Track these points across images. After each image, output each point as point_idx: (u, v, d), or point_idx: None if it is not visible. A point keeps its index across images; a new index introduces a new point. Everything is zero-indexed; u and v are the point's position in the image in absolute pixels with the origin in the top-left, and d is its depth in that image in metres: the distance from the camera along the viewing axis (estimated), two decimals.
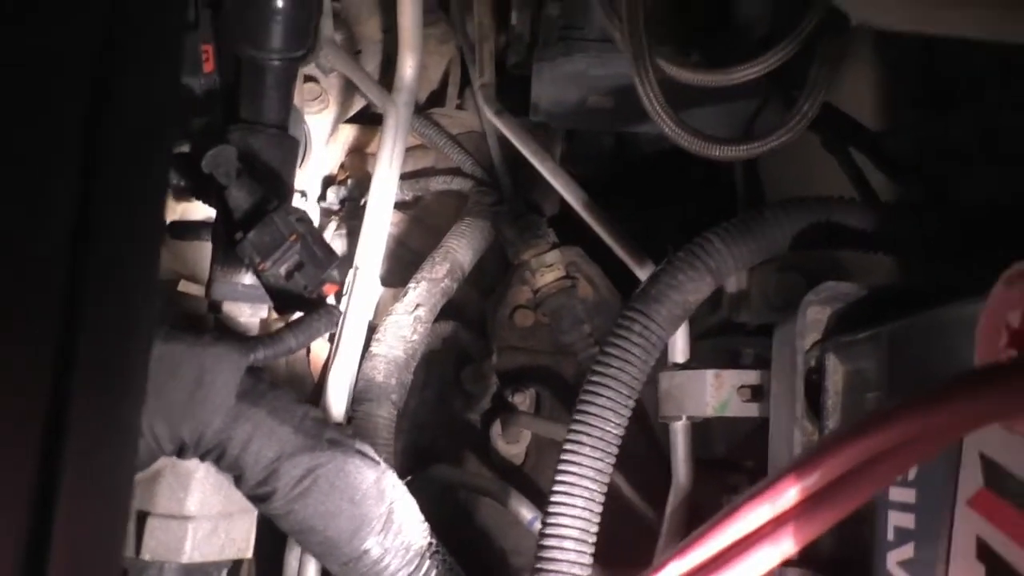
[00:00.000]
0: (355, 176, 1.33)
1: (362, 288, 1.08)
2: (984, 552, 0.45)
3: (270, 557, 0.99)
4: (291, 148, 0.93)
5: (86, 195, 0.44)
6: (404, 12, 1.14)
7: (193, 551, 0.82)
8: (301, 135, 1.13)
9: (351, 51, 1.27)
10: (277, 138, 0.91)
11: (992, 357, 0.41)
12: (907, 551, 0.53)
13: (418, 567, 0.83)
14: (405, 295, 1.13)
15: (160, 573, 0.81)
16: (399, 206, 1.28)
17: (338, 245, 1.25)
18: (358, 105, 1.34)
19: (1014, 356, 0.38)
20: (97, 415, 0.42)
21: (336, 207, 1.31)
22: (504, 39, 1.26)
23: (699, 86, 0.82)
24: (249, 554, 0.90)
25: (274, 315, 0.98)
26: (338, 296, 1.11)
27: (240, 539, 0.87)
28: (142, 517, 0.82)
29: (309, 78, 1.26)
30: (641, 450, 1.08)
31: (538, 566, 0.70)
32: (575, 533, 0.70)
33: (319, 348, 1.12)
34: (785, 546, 0.43)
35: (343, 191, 1.31)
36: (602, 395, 0.73)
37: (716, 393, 0.81)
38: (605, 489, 0.72)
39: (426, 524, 0.87)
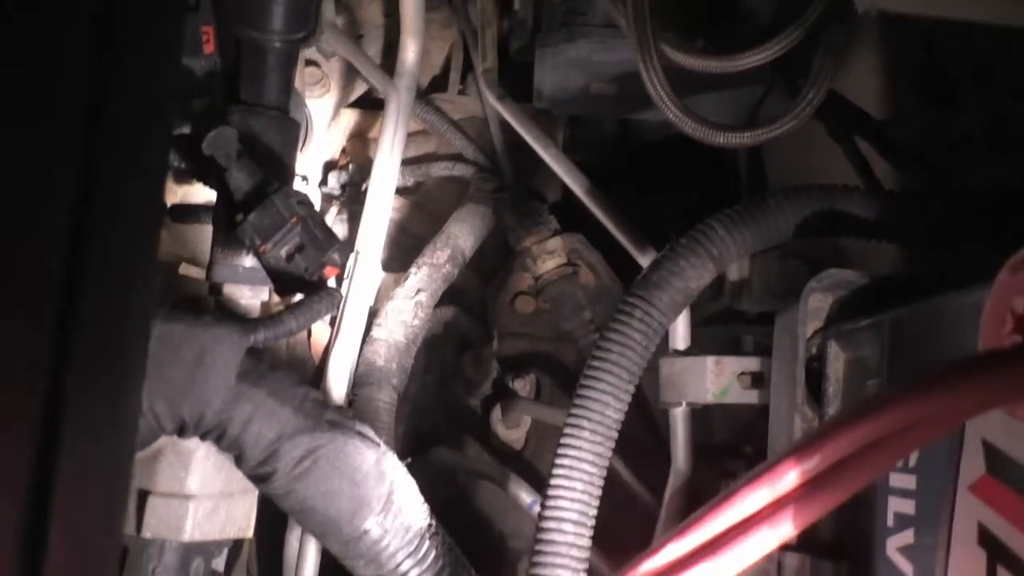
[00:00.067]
0: (356, 161, 1.32)
1: (363, 273, 1.08)
2: (985, 537, 0.45)
3: (271, 537, 0.99)
4: (292, 130, 0.93)
5: (86, 174, 0.44)
6: None
7: (194, 530, 0.82)
8: (302, 118, 1.12)
9: (353, 35, 1.26)
10: (278, 120, 0.90)
11: (996, 343, 0.41)
12: (907, 537, 0.53)
13: (418, 547, 0.83)
14: (406, 280, 1.13)
15: (161, 551, 0.81)
16: (400, 192, 1.28)
17: (339, 230, 1.24)
18: (360, 90, 1.34)
19: (1018, 342, 0.38)
20: (96, 393, 0.42)
21: (337, 192, 1.30)
22: (507, 24, 1.26)
23: (704, 73, 0.82)
24: (250, 534, 0.90)
25: (275, 298, 0.98)
26: (339, 281, 1.11)
27: (241, 519, 0.88)
28: (143, 496, 0.83)
29: (310, 62, 1.25)
30: (641, 436, 1.09)
31: (537, 548, 0.70)
32: (574, 516, 0.70)
33: (320, 332, 1.12)
34: (784, 529, 0.43)
35: (344, 176, 1.31)
36: (602, 380, 0.73)
37: (716, 380, 0.81)
38: (604, 473, 0.72)
39: (426, 505, 0.87)
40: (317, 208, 1.26)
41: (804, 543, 0.66)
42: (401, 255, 1.23)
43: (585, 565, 0.71)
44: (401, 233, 1.28)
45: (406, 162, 1.28)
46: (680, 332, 0.90)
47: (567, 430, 0.72)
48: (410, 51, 1.17)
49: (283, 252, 0.83)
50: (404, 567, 0.82)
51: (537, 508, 0.73)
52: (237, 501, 0.87)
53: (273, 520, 0.96)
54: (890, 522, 0.55)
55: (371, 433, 0.85)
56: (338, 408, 0.90)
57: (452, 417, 1.20)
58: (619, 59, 1.03)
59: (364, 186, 1.15)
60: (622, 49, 1.01)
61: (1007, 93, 0.77)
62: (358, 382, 1.04)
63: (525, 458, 1.19)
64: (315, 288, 0.86)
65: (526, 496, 1.04)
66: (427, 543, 0.84)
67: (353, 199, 1.26)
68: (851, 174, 0.90)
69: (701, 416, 0.89)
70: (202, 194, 1.04)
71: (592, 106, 1.14)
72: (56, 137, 0.44)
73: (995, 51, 0.77)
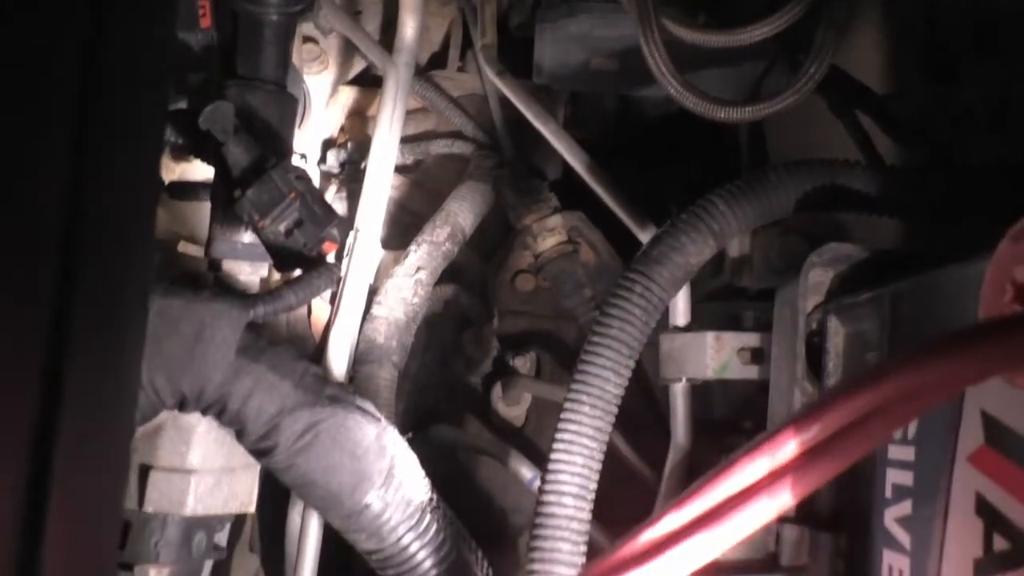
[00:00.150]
0: (355, 139, 1.32)
1: (363, 251, 1.07)
2: (982, 507, 0.46)
3: (274, 513, 1.00)
4: (289, 105, 0.92)
5: (81, 148, 0.44)
6: None
7: (196, 504, 0.83)
8: (300, 94, 1.12)
9: (351, 11, 1.25)
10: (275, 95, 0.90)
11: (996, 312, 0.41)
12: (905, 508, 0.54)
13: (419, 521, 0.83)
14: (406, 258, 1.13)
15: (163, 525, 0.81)
16: (400, 169, 1.28)
17: (338, 208, 1.24)
18: (358, 67, 1.33)
19: (1018, 311, 0.38)
20: (95, 366, 0.42)
21: (336, 170, 1.30)
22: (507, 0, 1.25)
23: (705, 47, 0.81)
24: (252, 508, 0.91)
25: (275, 274, 0.98)
26: (339, 258, 1.11)
27: (243, 493, 0.88)
28: (144, 470, 0.83)
29: (308, 39, 1.24)
30: (641, 412, 1.09)
31: (537, 521, 0.70)
32: (574, 489, 0.70)
33: (320, 310, 1.12)
34: (782, 499, 0.43)
35: (343, 154, 1.30)
36: (602, 355, 0.73)
37: (716, 355, 0.81)
38: (604, 447, 0.72)
39: (427, 480, 0.88)
40: (316, 186, 1.26)
41: (803, 515, 0.66)
42: (401, 233, 1.22)
43: (585, 538, 0.71)
44: (400, 211, 1.28)
45: (405, 140, 1.27)
46: (680, 308, 0.90)
47: (567, 404, 0.72)
48: (409, 27, 1.16)
49: (282, 227, 0.82)
50: (405, 540, 0.82)
51: (537, 483, 0.74)
52: (239, 476, 0.88)
53: (275, 495, 0.97)
54: (888, 493, 0.56)
55: (371, 408, 0.85)
56: (338, 383, 0.90)
57: (453, 394, 1.21)
58: (620, 34, 1.03)
59: (363, 164, 1.15)
60: (623, 24, 1.01)
61: (1009, 68, 0.77)
62: (358, 359, 1.04)
63: (526, 435, 1.19)
64: (314, 264, 0.86)
65: (527, 472, 1.04)
66: (428, 517, 0.84)
67: (352, 177, 1.26)
68: (853, 149, 0.90)
69: (701, 392, 0.90)
70: (200, 171, 1.04)
71: (593, 82, 1.14)
72: (50, 111, 0.44)
73: (998, 24, 0.77)
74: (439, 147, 1.30)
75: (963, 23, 0.81)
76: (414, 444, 0.92)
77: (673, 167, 1.35)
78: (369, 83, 1.34)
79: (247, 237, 0.88)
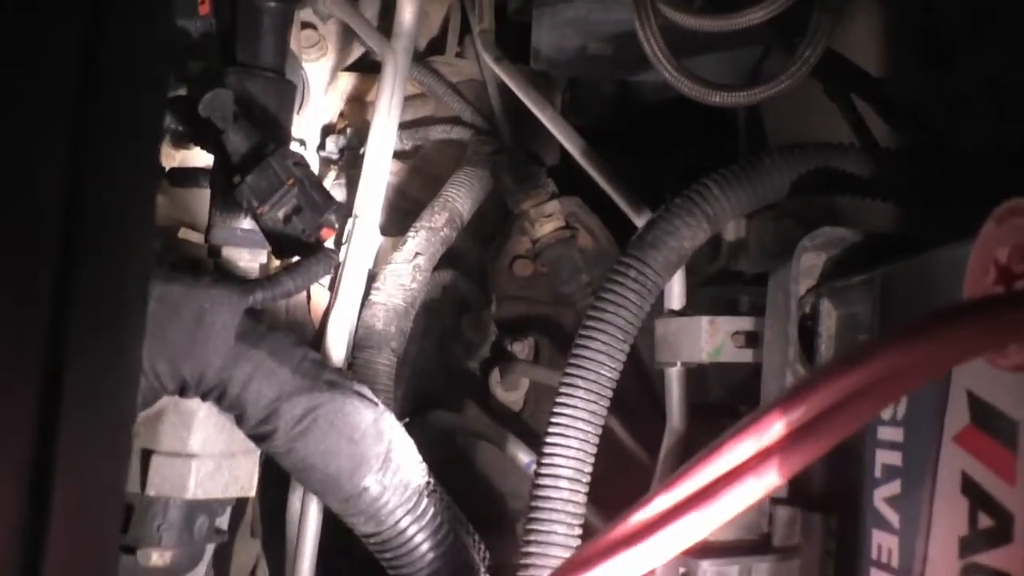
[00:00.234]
0: (354, 125, 1.32)
1: (361, 237, 1.08)
2: (968, 486, 0.46)
3: (274, 498, 1.01)
4: (288, 92, 0.93)
5: (81, 133, 0.44)
6: None
7: (197, 488, 0.84)
8: (298, 81, 1.12)
9: None
10: (274, 82, 0.90)
11: (980, 293, 0.41)
12: (894, 487, 0.54)
13: (416, 504, 0.84)
14: (404, 244, 1.13)
15: (165, 508, 0.83)
16: (398, 155, 1.28)
17: (337, 194, 1.24)
18: (357, 53, 1.33)
19: (1000, 292, 0.39)
20: (97, 351, 0.42)
21: (335, 156, 1.30)
22: None
23: (701, 32, 0.82)
24: (252, 493, 0.92)
25: (275, 261, 0.99)
26: (337, 244, 1.11)
27: (244, 478, 0.89)
28: (147, 455, 0.84)
29: (307, 25, 1.24)
30: (637, 396, 1.10)
31: (533, 504, 0.71)
32: (569, 473, 0.71)
33: (319, 296, 1.13)
34: (770, 479, 0.43)
35: (342, 140, 1.30)
36: (597, 339, 0.73)
37: (711, 339, 0.82)
38: (600, 431, 0.73)
39: (424, 464, 0.88)
40: (315, 172, 1.27)
41: (795, 496, 0.67)
42: (399, 219, 1.23)
43: (580, 521, 0.72)
44: (399, 197, 1.28)
45: (404, 126, 1.28)
46: (676, 292, 0.90)
47: (562, 388, 0.73)
48: (407, 13, 1.16)
49: (280, 214, 0.83)
50: (403, 523, 0.83)
51: (534, 468, 0.74)
52: (239, 461, 0.89)
53: (276, 481, 0.98)
54: (878, 474, 0.56)
55: (369, 393, 0.86)
56: (336, 369, 0.91)
57: (451, 380, 1.21)
58: (617, 19, 1.03)
59: (362, 150, 1.15)
60: (620, 9, 1.01)
61: (1006, 54, 0.77)
62: (357, 345, 1.05)
63: (524, 419, 1.20)
64: (312, 250, 0.87)
65: (524, 456, 1.05)
66: (426, 500, 0.85)
67: (351, 163, 1.26)
68: (850, 133, 0.90)
69: (696, 376, 0.90)
70: (201, 158, 1.04)
71: (590, 67, 1.14)
72: (50, 98, 0.44)
73: (995, 11, 0.77)
74: (438, 133, 1.31)
75: (960, 8, 0.81)
76: (413, 429, 0.93)
77: (672, 155, 1.35)
78: (368, 69, 1.35)
79: (246, 223, 0.88)
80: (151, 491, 0.82)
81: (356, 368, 1.03)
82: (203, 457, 0.85)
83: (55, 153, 0.43)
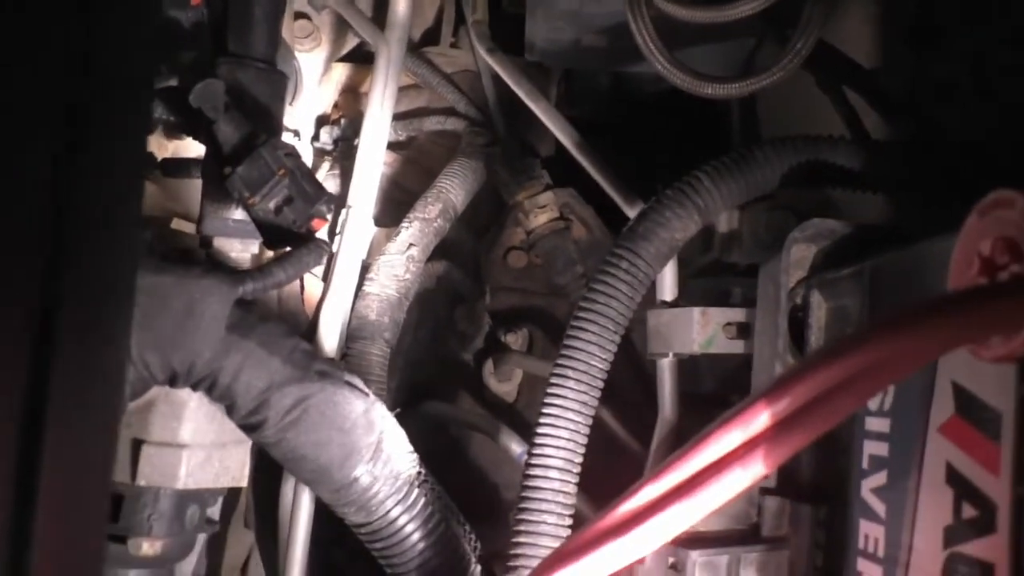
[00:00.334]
0: (348, 116, 1.32)
1: (355, 227, 1.08)
2: (952, 476, 0.47)
3: (267, 487, 1.01)
4: (280, 83, 0.92)
5: (70, 123, 0.44)
6: None
7: (187, 477, 0.84)
8: (291, 72, 1.12)
9: None
10: (266, 73, 0.90)
11: (964, 286, 0.41)
12: (880, 478, 0.55)
13: (407, 495, 0.85)
14: (398, 235, 1.13)
15: (156, 498, 0.83)
16: (393, 146, 1.28)
17: (331, 185, 1.24)
18: (351, 43, 1.32)
19: (983, 284, 0.39)
20: (83, 341, 0.42)
21: (329, 147, 1.30)
22: None
23: (694, 23, 0.81)
24: (244, 483, 0.92)
25: (267, 252, 0.99)
26: (331, 234, 1.11)
27: (235, 468, 0.90)
28: (137, 444, 0.84)
29: (301, 15, 1.24)
30: (631, 387, 1.10)
31: (523, 495, 0.71)
32: (560, 463, 0.71)
33: (313, 287, 1.13)
34: (755, 469, 0.44)
35: (336, 131, 1.30)
36: (588, 331, 0.74)
37: (702, 330, 0.82)
38: (590, 422, 0.74)
39: (415, 455, 0.89)
40: (309, 163, 1.26)
41: (784, 486, 0.67)
42: (394, 210, 1.23)
43: (571, 511, 0.72)
44: (394, 188, 1.28)
45: (398, 116, 1.27)
46: (667, 283, 0.90)
47: (553, 379, 0.73)
48: (401, 3, 1.16)
49: (271, 205, 0.83)
50: (394, 514, 0.84)
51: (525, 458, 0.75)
52: (230, 451, 0.89)
53: (268, 471, 0.98)
54: (865, 464, 0.57)
55: (360, 383, 0.86)
56: (327, 359, 0.91)
57: (445, 371, 1.22)
58: (610, 10, 1.02)
59: (356, 141, 1.15)
60: (613, 0, 1.00)
61: (994, 37, 0.77)
62: (351, 336, 1.05)
63: (517, 410, 1.20)
64: (304, 240, 0.87)
65: (517, 447, 1.06)
66: (416, 491, 0.86)
67: (345, 154, 1.26)
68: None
69: (689, 366, 0.91)
70: (194, 148, 1.04)
71: (584, 59, 1.14)
72: (39, 89, 0.44)
73: None
74: (432, 124, 1.31)
75: None
76: (407, 420, 0.94)
77: (668, 147, 1.35)
78: (363, 59, 1.34)
79: (238, 214, 0.88)
80: (141, 481, 0.82)
81: (350, 359, 1.03)
82: (194, 447, 0.85)
83: (42, 147, 0.43)
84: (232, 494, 1.00)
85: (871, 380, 0.40)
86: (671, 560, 0.67)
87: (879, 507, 0.55)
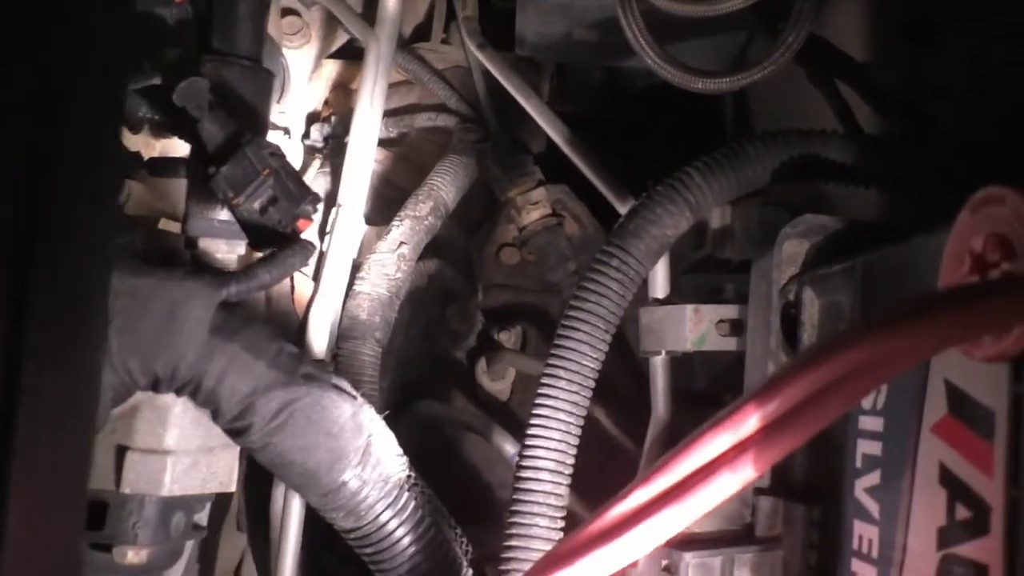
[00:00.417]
0: (339, 113, 1.31)
1: (345, 226, 1.07)
2: (945, 477, 0.46)
3: (260, 490, 1.00)
4: (265, 81, 0.91)
5: (38, 130, 0.43)
6: None
7: (172, 484, 0.83)
8: (278, 69, 1.11)
9: None
10: (251, 71, 0.89)
11: (955, 283, 0.41)
12: (874, 478, 0.54)
13: (397, 499, 0.84)
14: (388, 233, 1.12)
15: (140, 506, 0.82)
16: (384, 143, 1.27)
17: (322, 183, 1.23)
18: (342, 39, 1.31)
19: (974, 282, 0.38)
20: (55, 349, 0.42)
21: (320, 144, 1.29)
22: None
23: (684, 17, 0.80)
24: (232, 488, 0.91)
25: (255, 253, 0.97)
26: (321, 233, 1.10)
27: (223, 473, 0.88)
28: (121, 451, 0.83)
29: (290, 11, 1.23)
30: (626, 384, 1.09)
31: (515, 497, 0.71)
32: (551, 465, 0.71)
33: (303, 287, 1.12)
34: (745, 473, 0.43)
35: (327, 128, 1.29)
36: (579, 330, 0.73)
37: (695, 328, 0.81)
38: (582, 422, 0.73)
39: (404, 458, 0.88)
40: (300, 161, 1.25)
41: (777, 486, 0.67)
42: (385, 208, 1.22)
43: (562, 513, 0.72)
44: (385, 185, 1.27)
45: (389, 113, 1.26)
46: (659, 281, 0.90)
47: (544, 380, 0.73)
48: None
49: (256, 205, 0.82)
50: (383, 518, 0.83)
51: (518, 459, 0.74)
52: (218, 455, 0.88)
53: (260, 474, 0.97)
54: (859, 463, 0.56)
55: (348, 386, 0.85)
56: (314, 362, 0.90)
57: (438, 369, 1.21)
58: (601, 4, 1.01)
59: (347, 138, 1.14)
60: None
61: (988, 34, 0.76)
62: (342, 336, 1.04)
63: (511, 408, 1.20)
64: (289, 241, 0.86)
65: (510, 447, 1.05)
66: (406, 494, 0.85)
67: (336, 152, 1.25)
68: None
69: (683, 364, 0.90)
70: (182, 148, 1.03)
71: (575, 53, 1.13)
72: (7, 94, 0.43)
73: None
74: (423, 120, 1.29)
75: None
76: (399, 420, 0.93)
77: (660, 139, 1.34)
78: (353, 56, 1.33)
79: (224, 214, 0.87)
80: (126, 488, 0.81)
81: (341, 359, 1.02)
82: (179, 453, 0.84)
83: (10, 151, 0.42)
84: (224, 497, 0.98)
85: (861, 381, 0.39)
86: (664, 562, 0.67)
87: (873, 507, 0.54)
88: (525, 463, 0.71)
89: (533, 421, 0.72)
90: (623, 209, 0.99)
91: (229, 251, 0.89)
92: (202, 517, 0.90)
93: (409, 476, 0.86)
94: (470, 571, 0.88)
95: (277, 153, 0.84)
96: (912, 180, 0.73)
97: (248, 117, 0.86)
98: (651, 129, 1.40)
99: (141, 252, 0.84)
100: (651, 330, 0.87)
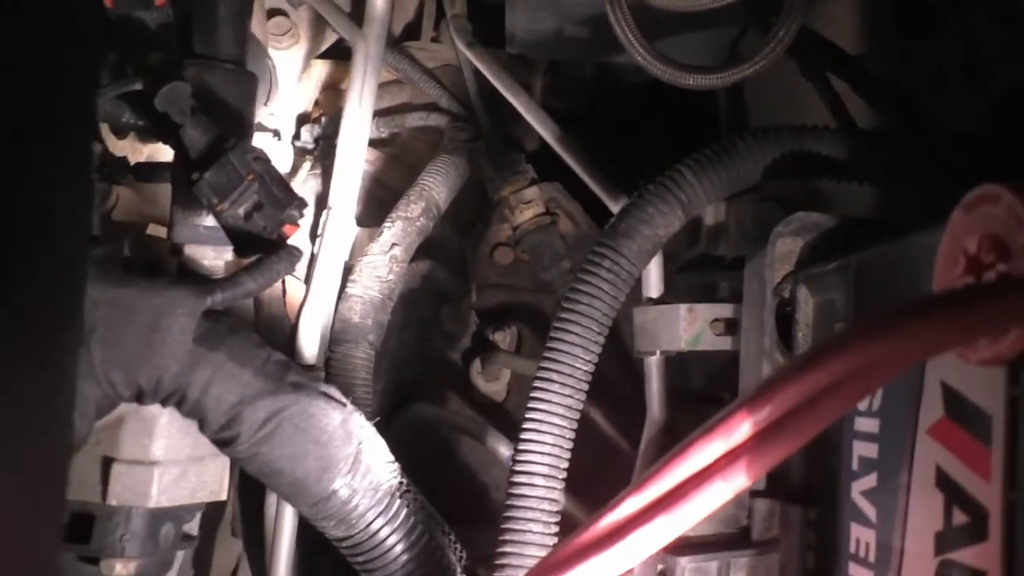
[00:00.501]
0: (329, 114, 1.29)
1: (336, 228, 1.06)
2: (942, 480, 0.45)
3: (254, 496, 0.99)
4: (249, 84, 0.90)
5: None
6: None
7: (160, 495, 0.82)
8: (264, 71, 1.09)
9: None
10: (234, 74, 0.87)
11: (949, 285, 0.40)
12: (870, 480, 0.53)
13: (388, 506, 0.83)
14: (380, 235, 1.11)
15: (128, 518, 0.80)
16: (376, 144, 1.26)
17: (313, 185, 1.22)
18: (331, 40, 1.30)
19: (969, 284, 0.37)
20: (24, 363, 0.41)
21: (311, 146, 1.28)
22: None
23: (673, 12, 0.79)
24: (223, 496, 0.90)
25: (243, 259, 0.96)
26: (312, 236, 1.09)
27: (212, 482, 0.87)
28: (107, 463, 0.82)
29: (278, 12, 1.21)
30: (622, 384, 1.08)
31: (508, 502, 0.70)
32: (544, 469, 0.70)
33: (295, 290, 1.11)
34: (737, 481, 0.42)
35: (317, 130, 1.28)
36: (572, 332, 0.72)
37: (689, 327, 0.80)
38: (575, 425, 0.72)
39: (396, 464, 0.87)
40: (290, 163, 1.24)
41: (774, 488, 0.66)
42: (377, 209, 1.21)
43: (556, 518, 0.71)
44: (377, 186, 1.26)
45: (380, 113, 1.25)
46: (653, 280, 0.89)
47: (537, 383, 0.72)
48: None
49: (241, 211, 0.81)
50: (375, 526, 0.82)
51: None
52: (208, 464, 0.87)
53: (255, 480, 0.96)
54: (855, 466, 0.55)
55: (337, 393, 0.84)
56: (302, 369, 0.89)
57: (432, 371, 1.20)
58: (590, 0, 1.00)
59: (337, 139, 1.13)
60: None
61: (985, 21, 0.75)
62: (335, 339, 1.03)
63: (506, 410, 1.19)
64: (275, 247, 0.84)
65: (505, 449, 1.04)
66: (398, 502, 0.84)
67: (327, 153, 1.23)
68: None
69: (678, 364, 0.89)
70: (168, 153, 1.02)
71: (566, 49, 1.12)
72: None
73: None
74: (414, 120, 1.28)
75: None
76: (393, 423, 0.92)
77: (655, 140, 1.33)
78: (343, 56, 1.31)
79: (209, 221, 0.86)
80: (112, 500, 0.80)
81: (333, 362, 1.01)
82: (166, 464, 0.82)
83: None
84: (218, 504, 0.97)
85: (854, 386, 0.38)
86: (660, 567, 0.66)
87: (870, 510, 0.53)
88: (518, 468, 0.70)
89: (526, 425, 0.71)
90: (615, 207, 0.98)
91: (216, 258, 0.87)
92: (192, 527, 0.89)
93: (401, 483, 0.85)
94: None
95: (262, 158, 0.83)
96: (907, 173, 0.72)
97: (232, 121, 0.85)
98: (644, 125, 1.39)
99: (126, 260, 0.83)
100: (645, 330, 0.86)
